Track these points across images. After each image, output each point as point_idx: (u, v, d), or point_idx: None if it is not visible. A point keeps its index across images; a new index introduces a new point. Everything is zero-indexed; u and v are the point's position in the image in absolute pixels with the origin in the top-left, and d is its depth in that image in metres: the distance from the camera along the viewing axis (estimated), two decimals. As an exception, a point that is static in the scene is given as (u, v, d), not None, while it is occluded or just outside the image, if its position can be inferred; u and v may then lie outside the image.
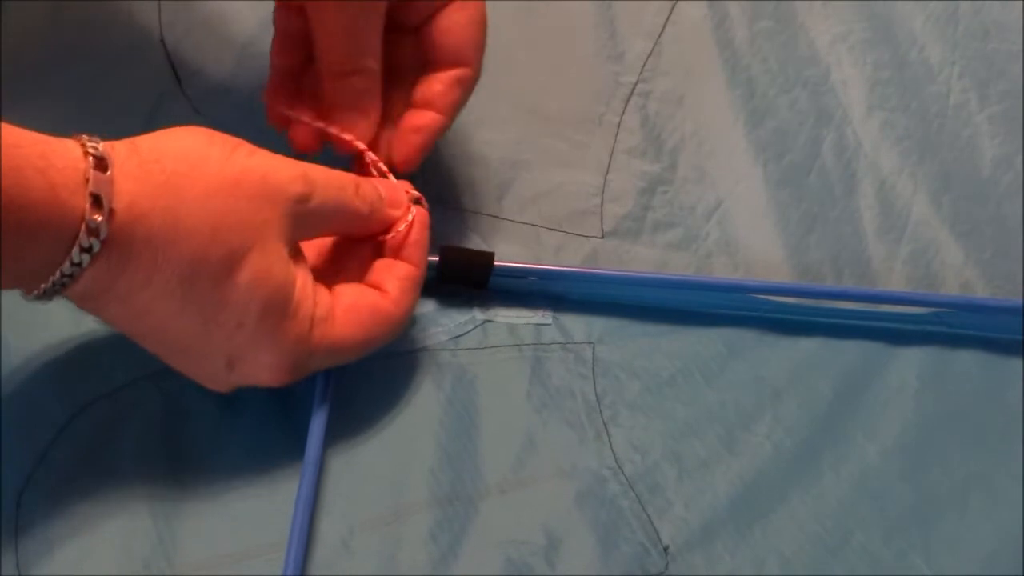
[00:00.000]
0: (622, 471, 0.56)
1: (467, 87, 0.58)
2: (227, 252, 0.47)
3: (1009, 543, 0.55)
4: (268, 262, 0.48)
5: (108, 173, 0.45)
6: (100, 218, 0.44)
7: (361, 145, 0.56)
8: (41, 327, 0.55)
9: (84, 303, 0.48)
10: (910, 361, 0.60)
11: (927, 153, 0.67)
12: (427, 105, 0.57)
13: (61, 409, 0.54)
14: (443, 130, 0.58)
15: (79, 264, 0.45)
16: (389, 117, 0.58)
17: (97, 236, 0.44)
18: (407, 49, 0.58)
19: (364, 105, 0.56)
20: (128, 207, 0.45)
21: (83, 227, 0.44)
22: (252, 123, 0.57)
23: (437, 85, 0.57)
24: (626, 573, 0.53)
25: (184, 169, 0.47)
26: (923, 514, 0.56)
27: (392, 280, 0.53)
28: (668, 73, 0.69)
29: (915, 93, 0.69)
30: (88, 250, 0.44)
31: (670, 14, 0.71)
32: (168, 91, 0.65)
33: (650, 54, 0.69)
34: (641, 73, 0.69)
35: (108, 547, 0.51)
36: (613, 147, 0.66)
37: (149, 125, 0.62)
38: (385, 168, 0.56)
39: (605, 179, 0.65)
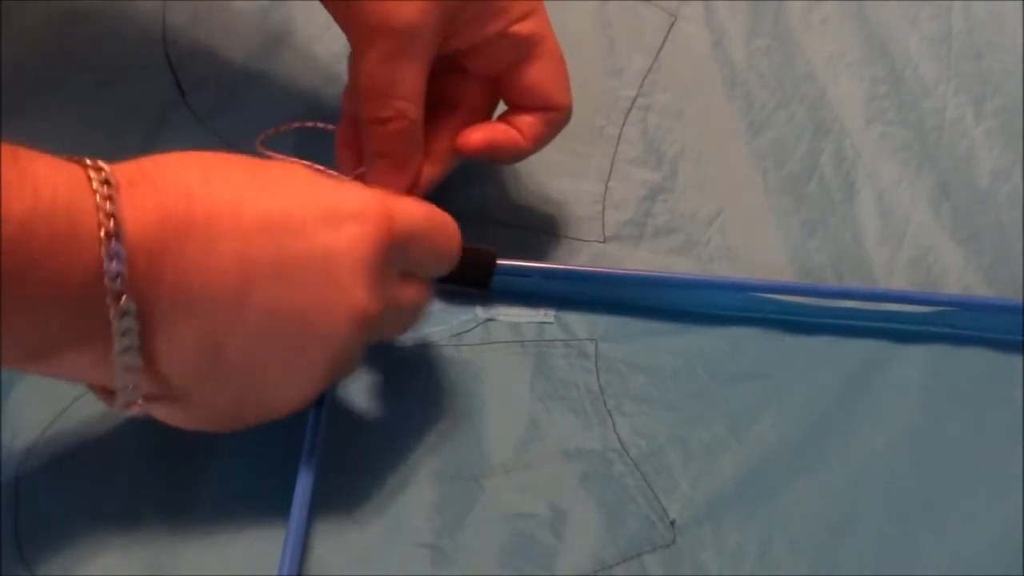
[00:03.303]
0: (627, 453, 0.55)
1: (557, 126, 0.59)
2: (239, 157, 0.47)
3: (1017, 523, 0.54)
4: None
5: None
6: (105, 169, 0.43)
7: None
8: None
9: (167, 312, 0.44)
10: (914, 358, 0.60)
11: (926, 163, 0.68)
12: (516, 128, 0.58)
13: (60, 396, 0.53)
14: (519, 153, 0.59)
15: (109, 197, 0.42)
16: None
17: (104, 170, 0.43)
18: (476, 92, 0.59)
19: (400, 154, 0.55)
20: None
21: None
22: (256, 135, 0.57)
23: (529, 118, 0.58)
24: (632, 545, 0.52)
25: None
26: (930, 498, 0.55)
27: None
28: (667, 88, 0.70)
29: (912, 107, 0.70)
30: (106, 183, 0.42)
31: (669, 31, 0.72)
32: (172, 103, 0.65)
33: (649, 70, 0.70)
34: (640, 88, 0.69)
35: (108, 531, 0.51)
36: (614, 157, 0.67)
37: (152, 137, 0.64)
38: None
39: (606, 187, 0.65)
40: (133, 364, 0.44)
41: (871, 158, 0.68)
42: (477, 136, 0.58)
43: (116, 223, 0.42)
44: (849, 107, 0.70)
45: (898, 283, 0.63)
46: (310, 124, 0.58)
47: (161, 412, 0.47)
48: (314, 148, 0.56)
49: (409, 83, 0.54)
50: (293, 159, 0.52)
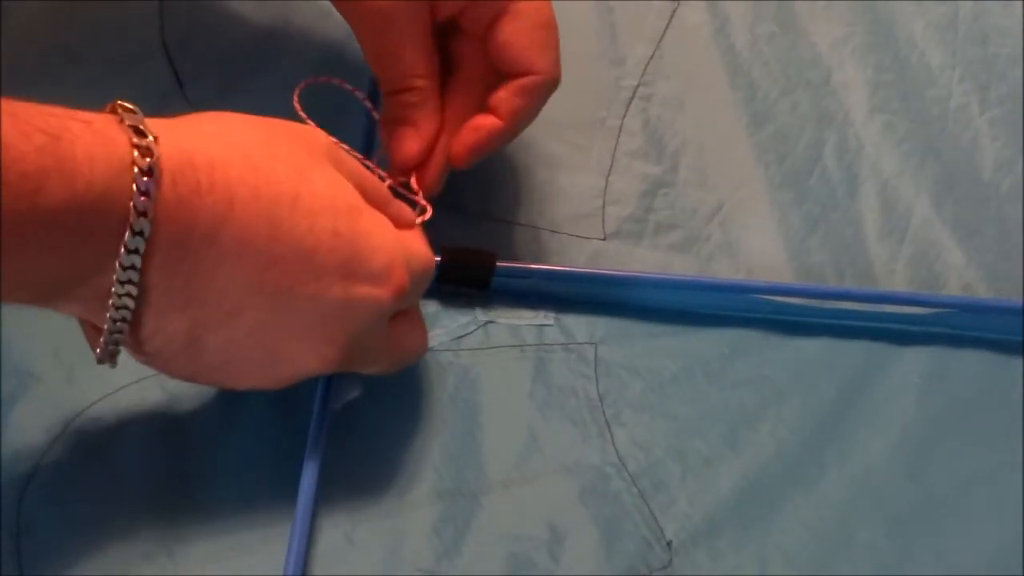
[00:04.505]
0: (625, 468, 0.55)
1: (534, 94, 0.57)
2: (290, 162, 0.47)
3: (1016, 539, 0.55)
4: (331, 171, 0.48)
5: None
6: (147, 139, 0.42)
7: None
8: (43, 326, 0.55)
9: (169, 300, 0.45)
10: (913, 361, 0.60)
11: (928, 156, 0.67)
12: (492, 109, 0.57)
13: (63, 410, 0.54)
14: (503, 135, 0.57)
15: (147, 194, 0.41)
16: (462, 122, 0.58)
17: (151, 155, 0.42)
18: (477, 56, 0.58)
19: (415, 120, 0.56)
20: (168, 131, 0.44)
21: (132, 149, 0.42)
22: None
23: (502, 92, 0.57)
24: (629, 568, 0.53)
25: (208, 116, 0.47)
26: (927, 511, 0.56)
27: None
28: (669, 77, 0.69)
29: (916, 96, 0.69)
30: (149, 173, 0.41)
31: (671, 18, 0.71)
32: (170, 95, 0.65)
33: (651, 58, 0.69)
34: (642, 77, 0.69)
35: (111, 541, 0.51)
36: (615, 150, 0.66)
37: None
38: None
39: (607, 181, 0.65)
40: (120, 330, 0.45)
41: (874, 149, 0.67)
42: (459, 149, 0.57)
43: (145, 222, 0.42)
44: (853, 95, 0.69)
45: (898, 280, 0.63)
46: (348, 88, 0.59)
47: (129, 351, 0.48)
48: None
49: (410, 57, 0.55)
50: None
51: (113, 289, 0.43)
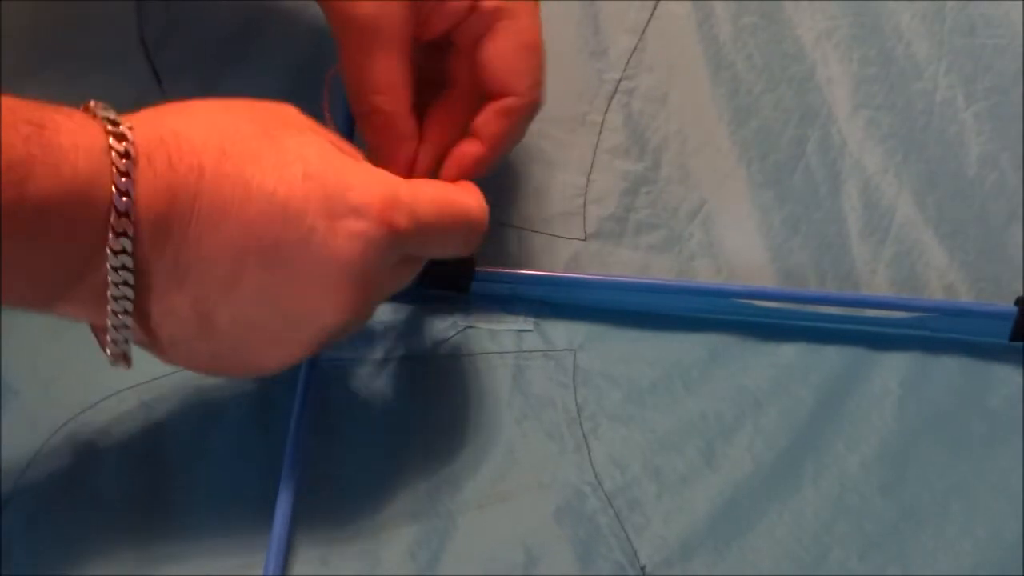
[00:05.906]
0: (601, 486, 0.56)
1: (515, 117, 0.56)
2: (255, 123, 0.47)
3: (988, 558, 0.55)
4: (301, 134, 0.48)
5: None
6: (121, 127, 0.44)
7: None
8: (21, 339, 0.55)
9: (165, 281, 0.45)
10: (892, 367, 0.60)
11: (912, 152, 0.67)
12: (474, 132, 0.56)
13: (41, 426, 0.54)
14: (486, 161, 0.56)
15: (127, 174, 0.43)
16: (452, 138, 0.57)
17: (126, 140, 0.43)
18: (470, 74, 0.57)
19: (384, 143, 0.55)
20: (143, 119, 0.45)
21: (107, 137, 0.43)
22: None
23: (483, 114, 0.56)
24: (604, 592, 0.53)
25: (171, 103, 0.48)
26: (902, 529, 0.56)
27: None
28: (652, 70, 0.68)
29: (901, 90, 0.69)
30: (126, 156, 0.43)
31: (654, 10, 0.70)
32: (148, 92, 0.64)
33: (634, 50, 0.69)
34: (625, 70, 0.68)
35: (88, 566, 0.51)
36: (596, 146, 0.66)
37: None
38: None
39: (588, 179, 0.65)
40: (125, 324, 0.46)
41: (857, 146, 0.67)
42: (448, 178, 0.56)
43: (128, 203, 0.43)
44: (837, 90, 0.68)
45: (880, 281, 0.63)
46: None
47: (149, 349, 0.49)
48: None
49: (381, 76, 0.54)
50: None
51: (109, 278, 0.44)
